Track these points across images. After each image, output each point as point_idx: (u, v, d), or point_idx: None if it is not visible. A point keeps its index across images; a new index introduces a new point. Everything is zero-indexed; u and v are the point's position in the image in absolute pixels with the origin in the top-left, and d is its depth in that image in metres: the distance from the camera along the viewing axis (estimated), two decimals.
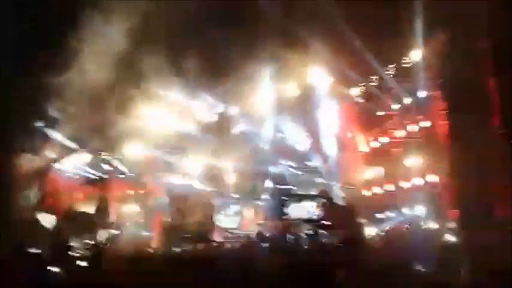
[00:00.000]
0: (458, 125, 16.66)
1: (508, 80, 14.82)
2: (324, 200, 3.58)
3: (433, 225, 16.98)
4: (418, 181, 18.68)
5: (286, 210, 3.34)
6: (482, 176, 15.37)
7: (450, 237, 14.21)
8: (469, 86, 15.71)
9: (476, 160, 15.57)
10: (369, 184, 21.21)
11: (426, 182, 18.37)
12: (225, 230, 19.76)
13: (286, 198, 3.32)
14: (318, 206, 3.29)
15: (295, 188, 17.29)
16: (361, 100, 21.06)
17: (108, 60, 17.90)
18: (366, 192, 21.18)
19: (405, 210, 18.84)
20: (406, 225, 17.59)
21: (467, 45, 15.12)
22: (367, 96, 20.80)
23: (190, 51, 18.19)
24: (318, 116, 20.87)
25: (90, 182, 24.96)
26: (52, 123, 20.62)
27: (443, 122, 17.50)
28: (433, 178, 18.13)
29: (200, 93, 21.76)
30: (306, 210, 3.30)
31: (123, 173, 25.28)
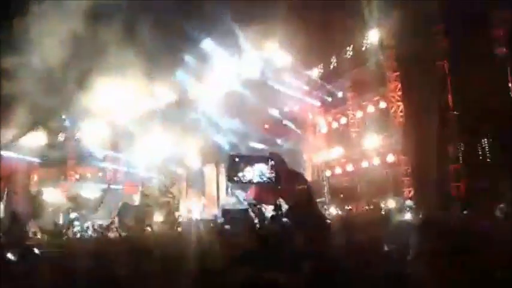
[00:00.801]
0: (412, 105, 17.13)
1: (460, 62, 15.27)
2: (274, 162, 3.61)
3: (391, 204, 17.31)
4: (376, 161, 19.03)
5: (240, 173, 3.32)
6: (435, 155, 15.91)
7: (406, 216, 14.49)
8: (424, 67, 16.11)
9: (429, 140, 16.08)
10: (329, 164, 21.53)
11: (383, 162, 18.74)
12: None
13: (238, 159, 3.29)
14: (269, 168, 3.30)
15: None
16: (320, 81, 21.20)
17: (64, 37, 17.30)
18: (327, 173, 21.55)
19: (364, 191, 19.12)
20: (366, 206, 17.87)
21: (422, 28, 15.45)
22: (326, 77, 20.93)
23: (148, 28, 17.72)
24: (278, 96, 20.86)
25: (47, 164, 24.44)
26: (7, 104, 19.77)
27: (398, 103, 17.91)
28: (390, 158, 18.50)
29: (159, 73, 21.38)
30: (258, 172, 3.31)
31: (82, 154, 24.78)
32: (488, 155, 15.76)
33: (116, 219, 17.66)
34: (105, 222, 18.50)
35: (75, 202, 18.02)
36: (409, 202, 16.62)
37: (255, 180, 2.76)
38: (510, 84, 14.63)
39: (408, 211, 15.16)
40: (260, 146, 20.32)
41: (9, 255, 5.36)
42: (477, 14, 14.37)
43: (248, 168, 2.76)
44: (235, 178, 2.71)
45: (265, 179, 2.76)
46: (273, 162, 2.76)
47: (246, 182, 2.79)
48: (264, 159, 2.84)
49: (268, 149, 18.56)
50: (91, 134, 23.88)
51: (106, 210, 19.97)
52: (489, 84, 13.94)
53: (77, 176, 25.55)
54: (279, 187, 2.78)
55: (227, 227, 11.34)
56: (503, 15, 14.62)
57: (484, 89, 13.93)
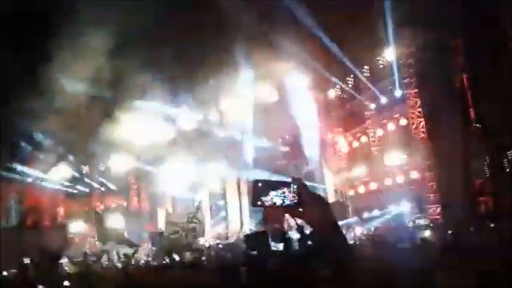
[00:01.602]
0: (434, 121, 16.99)
1: (480, 77, 15.16)
2: (296, 186, 3.67)
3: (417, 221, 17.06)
4: (399, 178, 18.85)
5: (263, 197, 3.38)
6: (459, 170, 15.68)
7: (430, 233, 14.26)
8: (443, 83, 16.05)
9: (453, 155, 15.87)
10: (351, 183, 21.38)
11: (407, 179, 18.55)
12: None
13: (261, 184, 3.36)
14: (292, 191, 3.36)
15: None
16: (338, 101, 21.26)
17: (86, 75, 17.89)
18: (350, 192, 21.38)
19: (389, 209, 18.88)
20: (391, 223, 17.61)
21: (439, 44, 15.45)
22: (344, 97, 20.99)
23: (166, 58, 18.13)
24: (296, 118, 20.92)
25: (73, 196, 24.92)
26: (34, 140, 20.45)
27: (419, 119, 17.79)
28: (414, 175, 18.31)
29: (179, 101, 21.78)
30: (281, 195, 3.36)
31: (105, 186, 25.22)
32: None
33: (144, 248, 17.76)
34: (129, 251, 18.65)
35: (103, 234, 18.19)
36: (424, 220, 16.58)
37: (278, 204, 2.84)
38: None
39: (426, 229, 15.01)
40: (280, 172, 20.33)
41: None
42: (494, 26, 14.35)
43: (271, 192, 2.84)
44: (258, 202, 2.79)
45: (287, 202, 2.83)
46: (295, 186, 2.82)
47: (269, 206, 2.87)
48: (286, 184, 2.91)
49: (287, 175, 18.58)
50: (115, 165, 24.36)
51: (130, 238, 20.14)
52: (510, 96, 13.76)
53: (102, 207, 25.95)
54: (301, 210, 2.82)
55: (253, 252, 11.30)
56: None
57: (505, 101, 13.78)
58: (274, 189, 3.32)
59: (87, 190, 25.29)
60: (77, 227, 20.82)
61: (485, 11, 14.35)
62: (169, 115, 22.55)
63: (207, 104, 22.18)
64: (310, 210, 3.01)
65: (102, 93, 18.90)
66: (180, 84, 20.40)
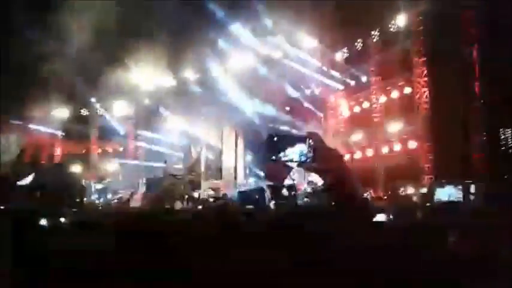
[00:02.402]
0: (439, 92, 16.90)
1: (488, 49, 14.96)
2: (313, 141, 3.58)
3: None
4: (397, 147, 18.93)
5: (280, 153, 3.33)
6: (458, 144, 15.75)
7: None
8: (452, 53, 15.83)
9: (453, 128, 15.91)
10: (349, 148, 21.45)
11: (405, 148, 18.62)
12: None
13: (276, 139, 3.30)
14: (308, 146, 3.30)
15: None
16: (344, 64, 21.03)
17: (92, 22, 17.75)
18: (346, 156, 21.50)
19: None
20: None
21: (451, 13, 15.16)
22: (350, 60, 20.75)
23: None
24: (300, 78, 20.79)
25: (71, 138, 25.02)
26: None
27: (423, 89, 17.69)
28: (412, 144, 18.37)
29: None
30: (298, 151, 3.32)
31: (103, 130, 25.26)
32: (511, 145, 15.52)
33: (139, 192, 18.06)
34: (126, 195, 18.96)
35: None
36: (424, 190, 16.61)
37: (295, 159, 2.82)
38: None
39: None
40: (283, 127, 20.33)
41: (42, 222, 5.55)
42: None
43: (288, 148, 2.81)
44: (274, 157, 2.75)
45: (304, 158, 2.80)
46: (311, 141, 2.79)
47: (286, 161, 2.84)
48: (303, 138, 2.87)
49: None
50: (115, 111, 24.39)
51: (128, 184, 20.45)
52: None
53: (99, 151, 26.09)
54: (316, 165, 2.79)
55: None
56: None
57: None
58: (291, 144, 3.28)
59: (85, 133, 25.33)
60: (73, 168, 20.94)
61: None
62: (173, 68, 22.43)
63: (210, 58, 21.92)
64: (327, 165, 3.01)
65: (108, 41, 18.69)
66: (184, 39, 20.09)
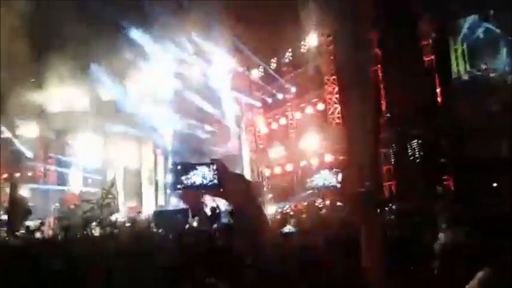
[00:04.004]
0: (349, 108, 17.88)
1: (392, 69, 16.13)
2: (216, 167, 3.66)
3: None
4: (314, 161, 19.62)
5: (183, 177, 3.34)
6: (368, 156, 16.68)
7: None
8: (359, 72, 16.86)
9: (364, 141, 16.84)
10: (268, 164, 21.91)
11: (322, 162, 19.33)
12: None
13: (180, 167, 3.32)
14: (212, 171, 3.35)
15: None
16: (260, 82, 21.54)
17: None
18: (266, 172, 21.93)
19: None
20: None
21: (357, 36, 16.17)
22: (265, 79, 21.31)
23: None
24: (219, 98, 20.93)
25: None
26: None
27: (335, 105, 18.62)
28: (328, 158, 19.12)
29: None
30: (201, 175, 3.35)
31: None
32: (417, 155, 16.74)
33: (48, 221, 16.96)
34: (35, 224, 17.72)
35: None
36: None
37: (197, 182, 2.86)
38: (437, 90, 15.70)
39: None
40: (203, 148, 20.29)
41: None
42: (407, 23, 15.30)
43: (191, 172, 2.85)
44: (178, 186, 2.77)
45: (206, 181, 2.86)
46: (215, 166, 2.86)
47: (189, 186, 2.86)
48: (206, 164, 2.94)
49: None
50: (22, 132, 22.85)
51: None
52: (417, 90, 14.87)
53: (5, 176, 24.21)
54: (221, 190, 2.87)
55: (159, 230, 11.11)
56: (431, 25, 15.70)
57: (412, 94, 14.86)
58: (194, 169, 3.35)
59: None
60: None
61: (400, 7, 15.23)
62: (84, 88, 21.57)
63: (127, 76, 21.37)
64: (231, 189, 3.11)
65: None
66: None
